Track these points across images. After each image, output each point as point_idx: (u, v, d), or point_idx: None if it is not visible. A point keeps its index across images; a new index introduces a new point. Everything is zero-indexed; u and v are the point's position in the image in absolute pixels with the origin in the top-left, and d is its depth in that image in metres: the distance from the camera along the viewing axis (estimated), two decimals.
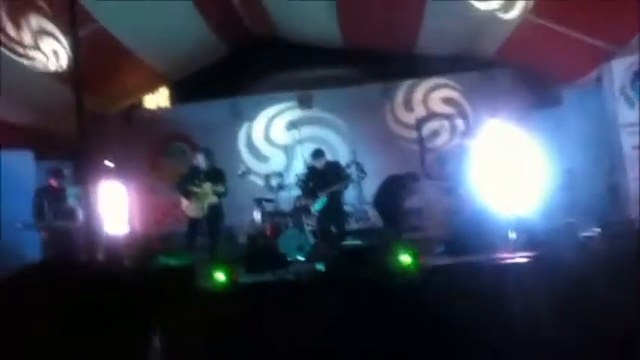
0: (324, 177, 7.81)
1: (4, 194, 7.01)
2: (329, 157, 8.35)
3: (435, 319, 4.92)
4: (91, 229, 5.70)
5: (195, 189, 7.36)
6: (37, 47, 7.34)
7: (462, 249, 6.56)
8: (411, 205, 8.44)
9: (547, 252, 5.89)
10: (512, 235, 6.84)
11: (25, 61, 7.39)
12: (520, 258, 6.00)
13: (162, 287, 5.99)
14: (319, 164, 7.90)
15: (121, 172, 8.61)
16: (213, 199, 7.29)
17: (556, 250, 5.74)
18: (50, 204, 6.84)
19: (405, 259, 6.30)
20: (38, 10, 6.93)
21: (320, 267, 7.03)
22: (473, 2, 7.45)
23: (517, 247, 6.54)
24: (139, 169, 9.73)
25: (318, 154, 8.00)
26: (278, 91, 10.04)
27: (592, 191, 7.78)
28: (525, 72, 9.26)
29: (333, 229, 7.76)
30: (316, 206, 7.90)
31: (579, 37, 7.37)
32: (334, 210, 7.82)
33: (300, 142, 9.68)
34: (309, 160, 8.29)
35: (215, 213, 7.36)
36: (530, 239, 6.60)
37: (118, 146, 9.52)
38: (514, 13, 7.47)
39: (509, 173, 7.46)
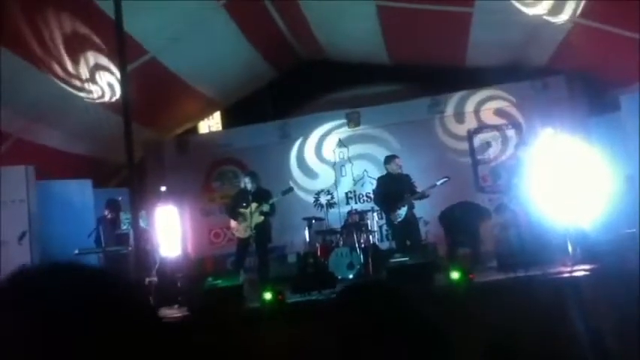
0: (401, 184, 7.38)
1: (64, 221, 7.38)
2: (379, 173, 8.17)
3: (484, 338, 4.70)
4: (142, 253, 5.88)
5: (242, 210, 7.50)
6: (93, 81, 7.72)
7: (515, 264, 6.31)
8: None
9: (607, 265, 5.58)
10: (571, 248, 6.53)
11: (84, 95, 7.80)
12: (579, 272, 5.71)
13: (211, 307, 6.10)
14: (394, 169, 7.53)
15: (175, 196, 8.87)
16: (259, 219, 7.39)
17: (617, 263, 5.42)
18: (105, 231, 7.17)
19: (455, 275, 6.14)
20: (93, 45, 7.28)
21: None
22: (521, 8, 7.22)
23: (576, 260, 6.24)
24: (193, 193, 10.01)
25: (391, 157, 7.61)
26: (326, 110, 10.10)
27: None
28: (580, 78, 8.90)
29: (407, 242, 7.37)
30: (399, 215, 7.40)
31: (634, 36, 7.02)
32: (411, 222, 7.39)
33: (349, 159, 9.68)
34: (382, 166, 7.86)
35: (262, 232, 7.42)
36: (589, 251, 6.29)
37: (173, 172, 9.87)
38: (563, 17, 7.20)
39: (566, 183, 7.12)
